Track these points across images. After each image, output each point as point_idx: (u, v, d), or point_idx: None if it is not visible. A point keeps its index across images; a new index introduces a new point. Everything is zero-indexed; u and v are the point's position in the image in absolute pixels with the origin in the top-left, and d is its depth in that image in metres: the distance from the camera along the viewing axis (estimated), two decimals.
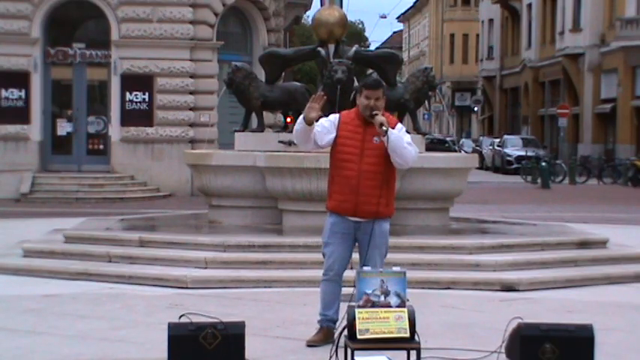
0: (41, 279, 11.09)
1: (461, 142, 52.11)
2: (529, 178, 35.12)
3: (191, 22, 24.85)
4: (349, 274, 7.43)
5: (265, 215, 13.06)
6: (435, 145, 41.77)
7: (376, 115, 7.18)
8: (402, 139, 7.20)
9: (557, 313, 8.94)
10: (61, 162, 25.09)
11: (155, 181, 24.70)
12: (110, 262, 11.54)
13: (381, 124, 7.13)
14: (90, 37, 25.81)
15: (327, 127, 7.38)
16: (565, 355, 6.41)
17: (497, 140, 46.38)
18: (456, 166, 13.45)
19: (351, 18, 49.88)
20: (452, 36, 72.20)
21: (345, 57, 13.50)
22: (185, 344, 6.34)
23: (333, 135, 7.36)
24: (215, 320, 6.52)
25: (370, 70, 17.92)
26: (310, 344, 7.44)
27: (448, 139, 49.75)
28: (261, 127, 14.23)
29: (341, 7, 21.86)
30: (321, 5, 22.82)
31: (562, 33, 46.81)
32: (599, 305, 9.74)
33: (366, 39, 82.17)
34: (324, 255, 7.58)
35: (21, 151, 24.33)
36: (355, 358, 6.20)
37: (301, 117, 7.23)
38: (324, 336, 7.31)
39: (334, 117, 7.49)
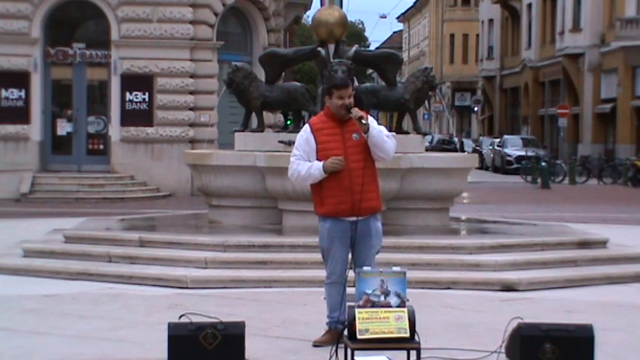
0: (41, 279, 11.09)
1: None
2: (529, 178, 35.11)
3: (191, 22, 24.84)
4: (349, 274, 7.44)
5: (265, 215, 13.06)
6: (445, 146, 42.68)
7: (353, 111, 7.24)
8: (382, 133, 7.32)
9: (557, 313, 8.95)
10: (61, 162, 25.08)
11: (155, 181, 24.69)
12: (110, 262, 11.54)
13: (361, 118, 7.18)
14: (90, 37, 25.80)
15: (306, 155, 7.36)
16: (565, 355, 6.41)
17: (497, 140, 46.39)
18: (456, 166, 13.45)
19: (351, 18, 49.98)
20: (452, 36, 72.17)
21: (345, 57, 13.49)
22: (185, 344, 6.34)
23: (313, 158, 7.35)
24: (215, 320, 6.52)
25: (370, 70, 17.91)
26: (316, 344, 7.44)
27: (456, 139, 50.45)
28: (261, 127, 14.23)
29: (341, 7, 21.79)
30: (321, 5, 22.78)
31: (562, 33, 46.80)
32: (599, 305, 9.74)
33: (366, 39, 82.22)
34: (324, 259, 7.58)
35: (21, 151, 24.33)
36: (355, 358, 6.20)
37: (322, 167, 7.23)
38: (332, 337, 7.23)
39: (305, 135, 7.43)
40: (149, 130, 24.72)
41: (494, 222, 15.50)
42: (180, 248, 11.65)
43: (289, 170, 7.47)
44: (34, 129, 24.58)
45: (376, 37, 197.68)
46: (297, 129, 14.13)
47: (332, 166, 7.22)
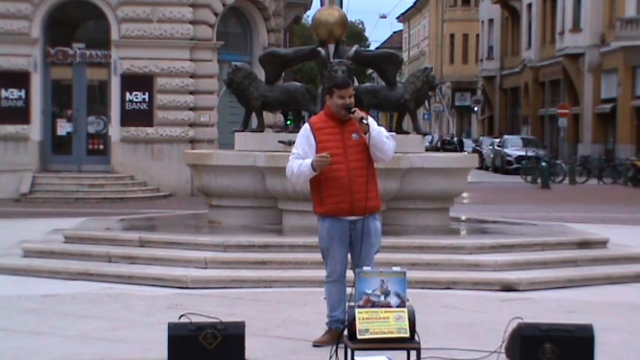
0: (41, 279, 11.09)
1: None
2: (529, 178, 35.11)
3: (191, 22, 24.84)
4: (348, 273, 7.44)
5: (265, 215, 13.06)
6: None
7: (355, 111, 7.26)
8: (382, 134, 7.35)
9: (557, 313, 8.95)
10: (61, 162, 25.08)
11: (155, 181, 24.69)
12: (110, 262, 11.54)
13: (362, 119, 7.21)
14: (90, 37, 25.80)
15: (305, 154, 7.35)
16: (565, 355, 6.41)
17: (497, 140, 46.40)
18: (456, 166, 13.45)
19: (351, 18, 49.99)
20: (452, 36, 72.18)
21: (345, 57, 13.50)
22: (185, 344, 6.34)
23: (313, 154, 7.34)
24: (215, 320, 6.52)
25: (370, 70, 17.90)
26: (316, 344, 7.44)
27: (455, 139, 50.89)
28: (261, 127, 14.24)
29: (341, 7, 21.80)
30: (321, 5, 22.79)
31: (562, 33, 46.81)
32: (600, 305, 9.74)
33: (366, 39, 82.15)
34: (324, 258, 7.58)
35: (21, 151, 24.33)
36: (355, 358, 6.20)
37: (310, 165, 7.22)
38: (332, 337, 7.23)
39: (305, 134, 7.45)
40: (149, 130, 24.72)
41: (494, 222, 15.50)
42: (180, 248, 11.65)
43: (286, 168, 7.49)
44: (34, 129, 24.57)
45: (376, 37, 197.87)
46: (297, 129, 14.13)
47: (318, 162, 7.20)
